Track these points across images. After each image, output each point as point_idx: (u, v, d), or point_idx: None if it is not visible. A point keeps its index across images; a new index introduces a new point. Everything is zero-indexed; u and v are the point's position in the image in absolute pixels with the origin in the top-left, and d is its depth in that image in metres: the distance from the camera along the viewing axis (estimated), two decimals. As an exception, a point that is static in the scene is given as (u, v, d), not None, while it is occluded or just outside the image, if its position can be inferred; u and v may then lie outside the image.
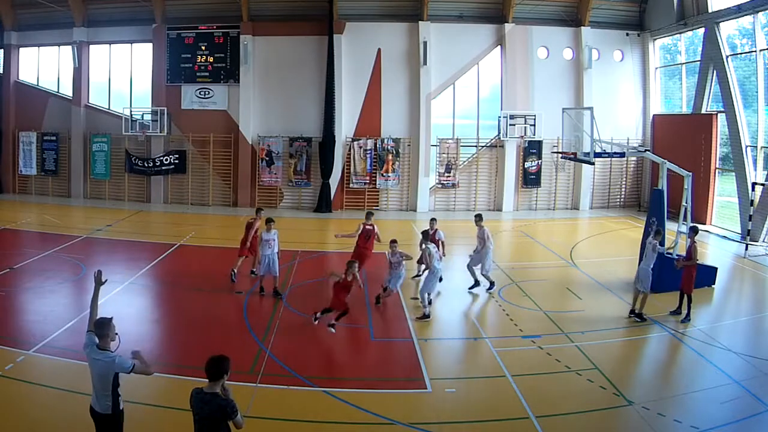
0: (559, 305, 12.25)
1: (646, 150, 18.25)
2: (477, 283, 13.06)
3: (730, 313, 12.74)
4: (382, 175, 23.96)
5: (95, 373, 5.63)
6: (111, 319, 5.81)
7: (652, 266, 11.38)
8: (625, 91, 25.19)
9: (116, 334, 5.79)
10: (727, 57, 19.92)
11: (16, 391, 7.92)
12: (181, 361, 9.19)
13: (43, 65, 25.94)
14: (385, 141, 23.85)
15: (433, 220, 13.83)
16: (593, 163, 15.78)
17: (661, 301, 12.44)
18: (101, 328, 5.67)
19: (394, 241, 12.18)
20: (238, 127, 24.14)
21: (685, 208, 13.43)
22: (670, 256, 13.25)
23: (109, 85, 25.56)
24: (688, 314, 11.35)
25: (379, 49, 23.83)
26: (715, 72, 20.63)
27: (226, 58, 24.21)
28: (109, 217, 21.28)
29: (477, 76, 24.53)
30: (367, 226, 13.24)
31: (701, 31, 21.37)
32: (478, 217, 13.52)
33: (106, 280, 6.32)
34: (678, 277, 11.77)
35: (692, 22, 21.86)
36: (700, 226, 19.62)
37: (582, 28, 24.16)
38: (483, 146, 24.62)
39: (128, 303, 12.02)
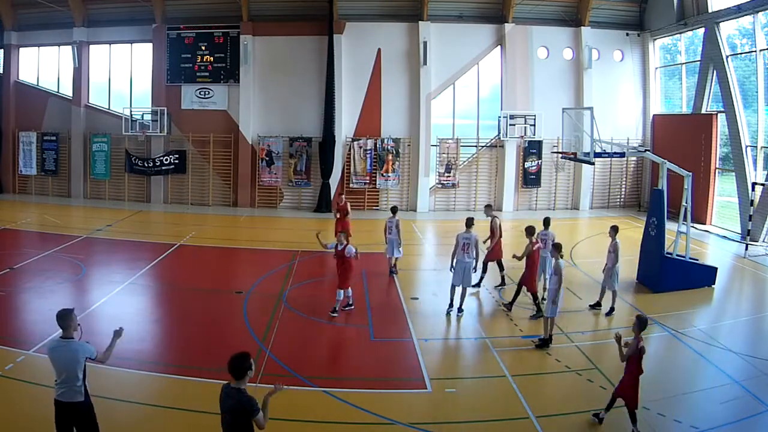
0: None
1: (646, 150, 18.21)
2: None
3: (730, 313, 12.72)
4: (382, 175, 23.96)
5: (63, 365, 5.70)
6: (72, 310, 5.95)
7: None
8: (625, 91, 25.19)
9: (78, 324, 5.91)
10: (727, 57, 19.92)
11: (16, 391, 7.91)
12: (181, 361, 9.21)
13: (43, 65, 25.94)
14: (385, 141, 23.85)
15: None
16: (593, 163, 15.75)
17: (662, 301, 12.49)
18: (63, 319, 5.81)
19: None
20: (238, 127, 24.14)
21: (685, 208, 13.42)
22: (669, 256, 13.25)
23: (109, 85, 25.56)
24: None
25: (379, 49, 23.83)
26: (715, 72, 20.62)
27: (226, 58, 24.22)
28: (109, 217, 21.28)
29: (477, 76, 24.53)
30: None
31: (701, 31, 21.37)
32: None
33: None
34: (678, 278, 11.78)
35: (692, 22, 21.86)
36: (700, 226, 19.79)
37: (582, 28, 24.16)
38: (483, 146, 24.63)
39: (128, 303, 12.02)
